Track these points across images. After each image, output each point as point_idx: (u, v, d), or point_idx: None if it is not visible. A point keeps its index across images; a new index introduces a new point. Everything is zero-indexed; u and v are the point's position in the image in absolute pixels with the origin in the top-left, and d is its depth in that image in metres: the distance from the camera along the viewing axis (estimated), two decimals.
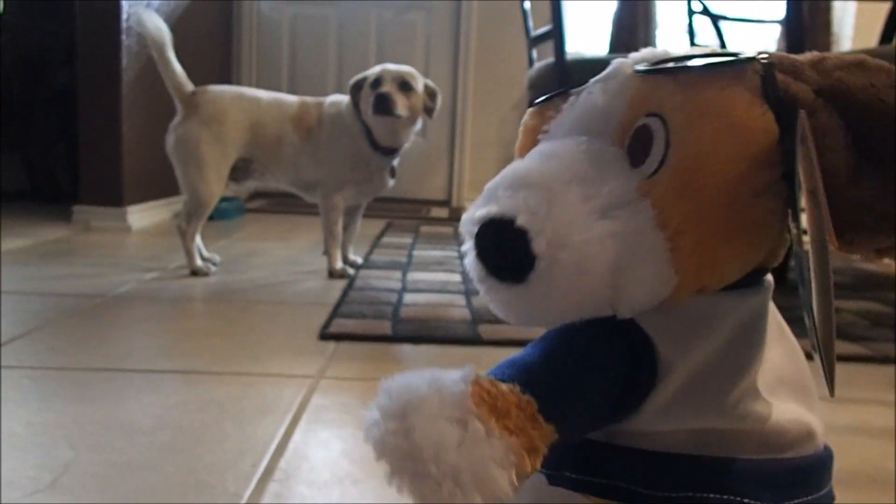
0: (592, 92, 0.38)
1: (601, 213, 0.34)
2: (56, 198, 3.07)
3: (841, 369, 1.33)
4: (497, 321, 1.43)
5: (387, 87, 1.80)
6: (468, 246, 0.36)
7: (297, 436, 0.90)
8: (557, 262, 0.33)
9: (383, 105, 1.78)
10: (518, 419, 0.32)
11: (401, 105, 1.80)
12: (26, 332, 1.28)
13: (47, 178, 3.15)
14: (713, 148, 0.33)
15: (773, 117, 0.34)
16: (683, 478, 0.36)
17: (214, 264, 1.95)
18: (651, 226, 0.34)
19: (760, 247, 0.36)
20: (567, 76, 1.73)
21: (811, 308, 0.32)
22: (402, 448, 0.30)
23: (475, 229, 0.35)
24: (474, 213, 0.36)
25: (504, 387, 0.32)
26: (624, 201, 0.34)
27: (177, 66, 1.82)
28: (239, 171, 1.91)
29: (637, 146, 0.35)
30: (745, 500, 0.35)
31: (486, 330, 1.39)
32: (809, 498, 0.37)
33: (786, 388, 0.38)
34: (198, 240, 1.89)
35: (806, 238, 0.32)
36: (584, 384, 0.34)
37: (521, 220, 0.33)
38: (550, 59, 1.87)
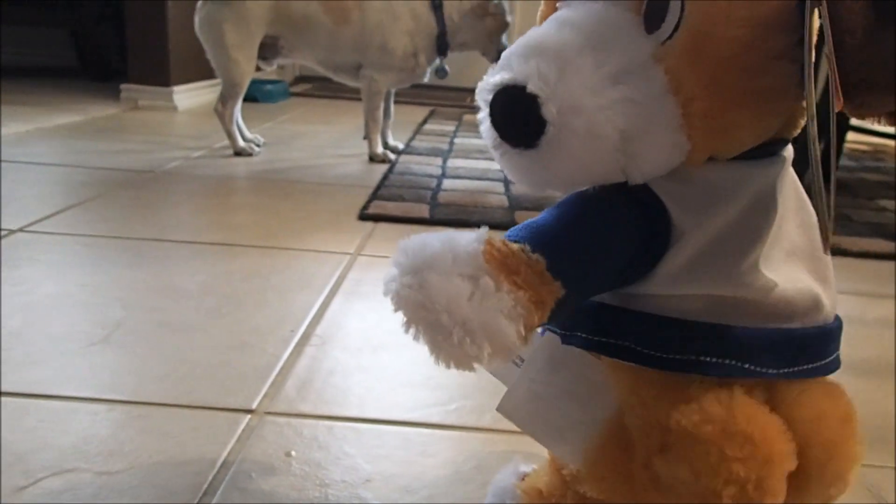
0: None
1: (614, 79, 0.34)
2: (104, 76, 3.10)
3: (875, 266, 1.31)
4: (535, 207, 1.44)
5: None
6: (483, 114, 0.37)
7: (333, 306, 0.94)
8: (568, 127, 0.33)
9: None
10: (527, 276, 0.33)
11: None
12: (79, 202, 1.34)
13: (95, 56, 3.17)
14: (726, 12, 0.33)
15: None
16: (690, 342, 0.37)
17: (258, 145, 1.97)
18: (664, 91, 0.34)
19: (776, 113, 0.36)
20: None
21: (815, 164, 0.32)
22: (416, 300, 0.32)
23: (489, 97, 0.36)
24: (488, 81, 0.36)
25: (515, 246, 0.34)
26: (637, 67, 0.34)
27: None
28: (267, 49, 1.88)
29: (653, 11, 0.35)
30: (746, 366, 0.36)
31: (522, 216, 1.40)
32: (812, 366, 0.38)
33: (798, 259, 0.39)
34: (240, 121, 1.91)
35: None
36: (594, 245, 0.36)
37: (531, 86, 0.34)
38: None
